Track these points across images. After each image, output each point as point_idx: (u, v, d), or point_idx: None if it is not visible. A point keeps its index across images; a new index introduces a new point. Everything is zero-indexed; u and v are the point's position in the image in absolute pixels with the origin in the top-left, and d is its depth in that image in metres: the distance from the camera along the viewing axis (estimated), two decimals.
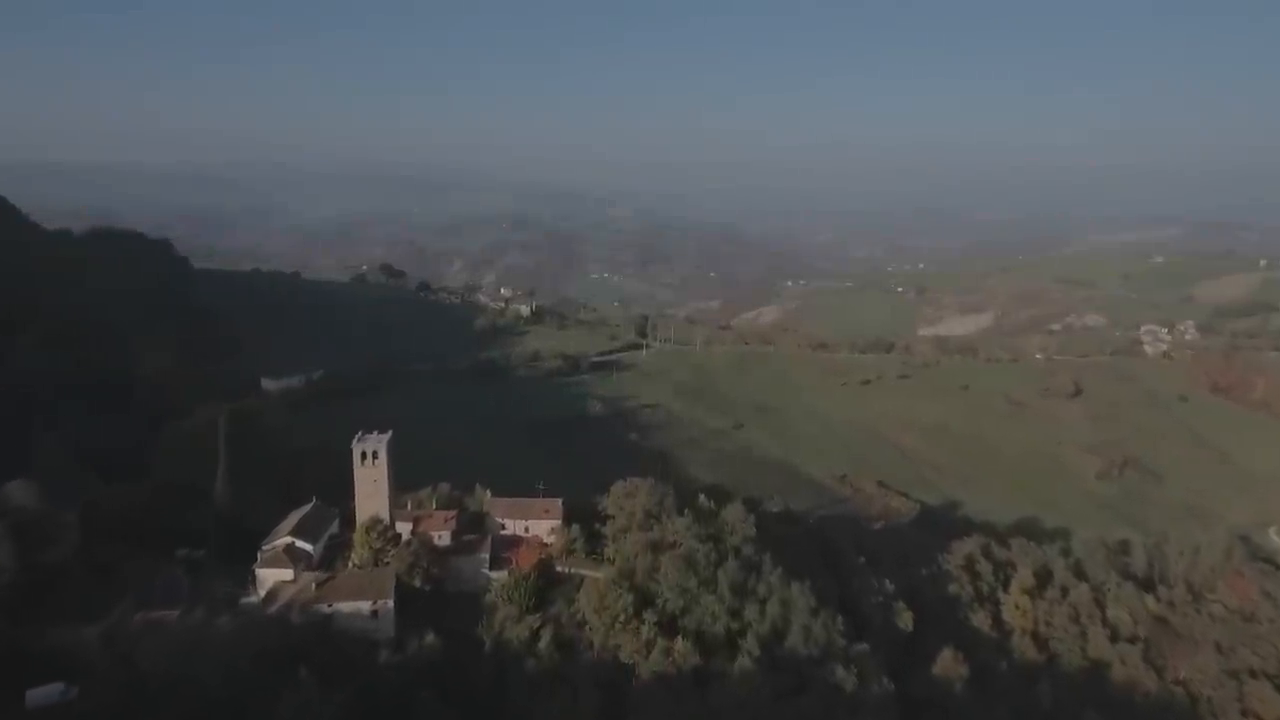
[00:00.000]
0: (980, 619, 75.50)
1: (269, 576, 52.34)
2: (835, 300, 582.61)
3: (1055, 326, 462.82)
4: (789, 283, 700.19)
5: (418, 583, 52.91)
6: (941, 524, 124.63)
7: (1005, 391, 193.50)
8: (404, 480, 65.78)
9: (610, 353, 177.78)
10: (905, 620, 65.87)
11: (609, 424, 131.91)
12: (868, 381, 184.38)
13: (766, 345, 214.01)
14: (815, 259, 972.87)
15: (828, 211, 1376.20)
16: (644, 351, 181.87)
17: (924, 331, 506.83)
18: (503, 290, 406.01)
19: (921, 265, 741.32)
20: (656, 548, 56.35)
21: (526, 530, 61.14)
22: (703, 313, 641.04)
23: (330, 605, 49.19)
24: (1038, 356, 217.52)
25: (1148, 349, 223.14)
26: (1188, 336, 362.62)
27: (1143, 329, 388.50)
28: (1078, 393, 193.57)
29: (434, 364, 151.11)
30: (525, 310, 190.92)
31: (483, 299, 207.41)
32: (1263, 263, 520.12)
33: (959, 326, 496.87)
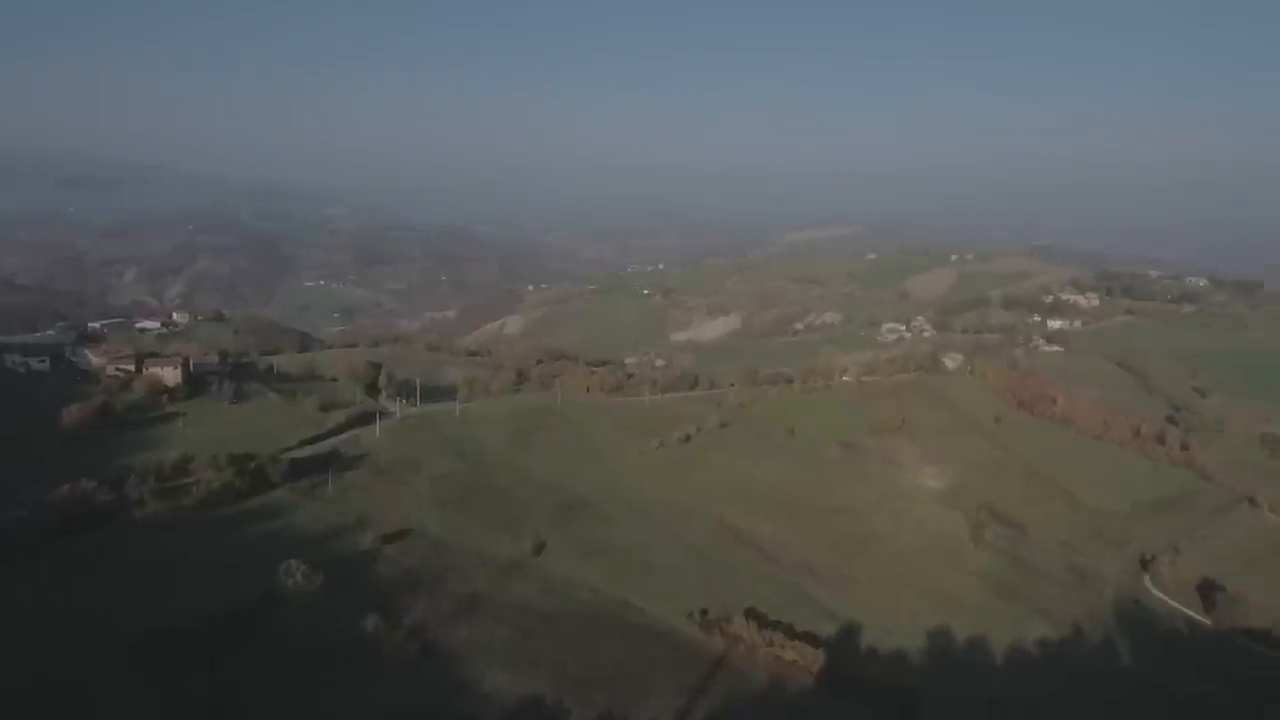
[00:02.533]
0: None
1: None
2: (581, 306, 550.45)
3: (799, 325, 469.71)
4: (530, 287, 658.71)
5: None
6: (854, 675, 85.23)
7: (832, 429, 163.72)
8: None
9: (324, 436, 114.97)
10: None
11: (320, 610, 71.73)
12: (688, 438, 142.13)
13: (546, 390, 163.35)
14: (548, 260, 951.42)
15: (554, 211, 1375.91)
16: (378, 426, 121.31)
17: (677, 336, 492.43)
18: (175, 315, 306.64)
19: (661, 266, 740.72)
20: None
21: None
22: (439, 324, 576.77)
23: None
24: (844, 379, 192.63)
25: (947, 363, 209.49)
26: (925, 334, 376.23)
27: (885, 326, 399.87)
28: (902, 424, 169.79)
29: None
30: (171, 377, 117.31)
31: (94, 359, 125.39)
32: (953, 258, 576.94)
33: (709, 330, 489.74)
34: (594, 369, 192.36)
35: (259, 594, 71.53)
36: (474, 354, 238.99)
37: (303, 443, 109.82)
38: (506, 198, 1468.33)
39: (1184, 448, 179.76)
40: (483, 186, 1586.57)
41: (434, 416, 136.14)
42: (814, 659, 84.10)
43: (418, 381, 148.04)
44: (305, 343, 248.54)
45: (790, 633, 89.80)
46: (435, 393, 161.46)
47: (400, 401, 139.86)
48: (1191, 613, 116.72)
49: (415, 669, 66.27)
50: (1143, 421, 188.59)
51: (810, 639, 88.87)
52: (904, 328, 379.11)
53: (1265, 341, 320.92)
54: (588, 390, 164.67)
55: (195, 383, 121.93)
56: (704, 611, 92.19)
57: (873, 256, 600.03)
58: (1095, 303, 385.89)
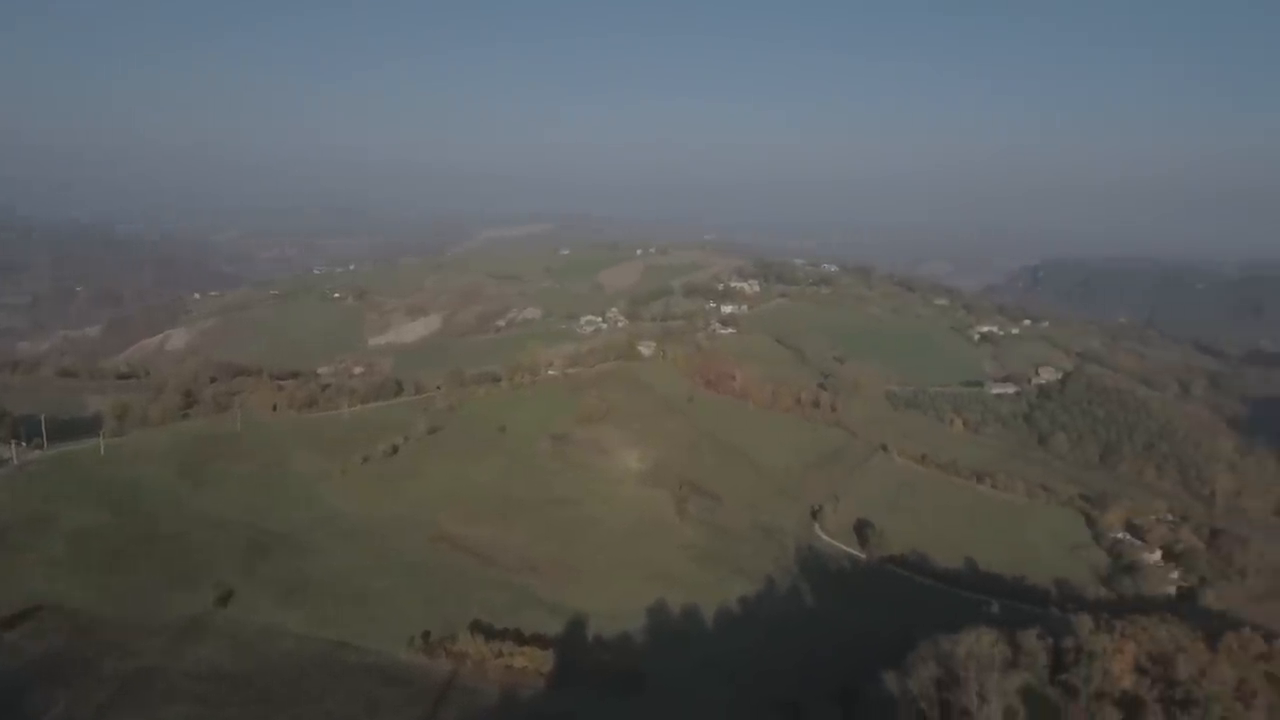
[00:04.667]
0: None
1: None
2: (263, 313, 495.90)
3: (501, 322, 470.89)
4: (196, 295, 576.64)
5: None
6: (584, 666, 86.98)
7: (542, 423, 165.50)
8: None
9: None
10: None
11: None
12: (395, 448, 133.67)
13: (224, 412, 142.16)
14: (218, 263, 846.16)
15: (222, 210, 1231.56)
16: None
17: (375, 340, 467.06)
18: None
19: (353, 266, 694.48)
20: None
21: None
22: (78, 344, 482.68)
23: None
24: (550, 373, 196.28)
25: (643, 350, 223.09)
26: (620, 324, 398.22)
27: (583, 319, 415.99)
28: (607, 411, 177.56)
29: None
30: None
31: None
32: (639, 252, 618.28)
33: (410, 332, 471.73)
34: (281, 383, 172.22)
35: None
36: (126, 376, 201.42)
37: None
38: (159, 194, 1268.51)
39: (833, 409, 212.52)
40: (128, 181, 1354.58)
41: (71, 458, 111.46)
42: (544, 660, 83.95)
43: (43, 417, 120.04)
44: None
45: (519, 639, 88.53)
46: (74, 428, 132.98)
47: (19, 445, 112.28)
48: (852, 550, 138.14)
49: None
50: (801, 390, 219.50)
51: (539, 641, 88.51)
52: (600, 319, 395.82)
53: (881, 315, 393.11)
54: (275, 408, 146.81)
55: None
56: (426, 635, 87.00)
57: (566, 252, 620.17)
58: (756, 289, 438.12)
